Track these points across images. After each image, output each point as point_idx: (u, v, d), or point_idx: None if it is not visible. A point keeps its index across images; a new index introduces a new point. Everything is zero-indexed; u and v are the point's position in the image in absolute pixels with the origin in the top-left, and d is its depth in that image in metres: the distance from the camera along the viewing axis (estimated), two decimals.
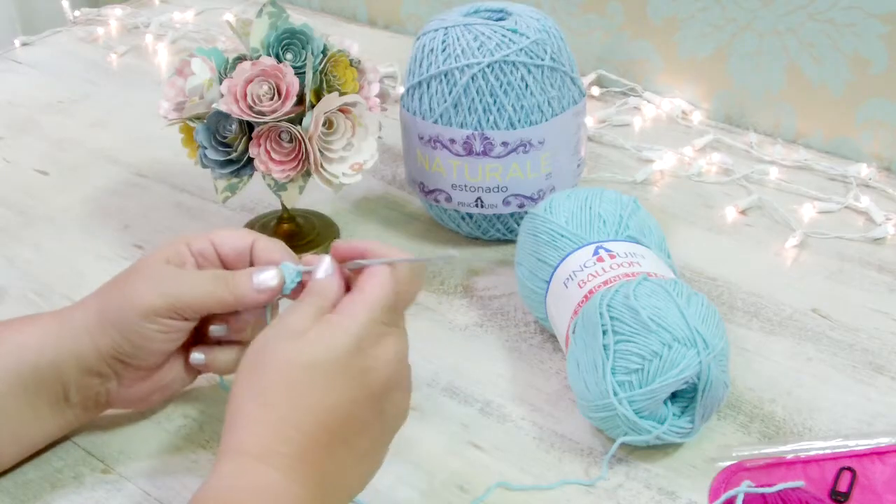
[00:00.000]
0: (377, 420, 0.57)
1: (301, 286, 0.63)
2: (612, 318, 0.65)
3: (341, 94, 0.78)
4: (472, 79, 0.80)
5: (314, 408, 0.54)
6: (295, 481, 0.53)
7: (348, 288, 0.60)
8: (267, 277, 0.63)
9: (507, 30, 0.81)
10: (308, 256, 0.63)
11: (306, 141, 0.77)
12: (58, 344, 0.64)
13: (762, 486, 0.62)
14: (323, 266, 0.60)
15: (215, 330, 0.66)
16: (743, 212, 0.91)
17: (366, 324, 0.56)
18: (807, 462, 0.65)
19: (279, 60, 0.77)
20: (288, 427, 0.54)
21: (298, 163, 0.78)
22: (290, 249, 0.65)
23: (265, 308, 0.65)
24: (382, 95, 0.82)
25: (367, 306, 0.57)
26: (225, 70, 0.78)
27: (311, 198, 0.90)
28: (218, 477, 0.53)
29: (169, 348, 0.65)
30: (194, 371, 0.68)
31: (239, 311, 0.65)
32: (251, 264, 0.65)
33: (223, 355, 0.67)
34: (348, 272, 0.61)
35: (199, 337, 0.67)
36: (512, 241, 0.86)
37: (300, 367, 0.55)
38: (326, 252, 0.62)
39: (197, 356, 0.66)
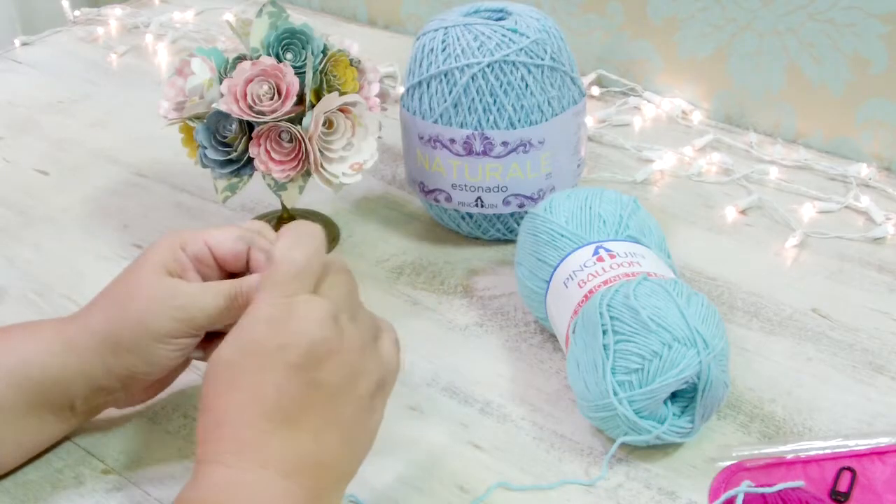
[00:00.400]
0: (317, 392, 0.54)
1: None
2: (612, 317, 0.65)
3: (341, 93, 0.78)
4: (472, 79, 0.80)
5: (244, 402, 0.53)
6: (255, 474, 0.52)
7: None
8: None
9: (507, 30, 0.81)
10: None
11: (306, 141, 0.77)
12: (63, 363, 0.63)
13: (762, 486, 0.62)
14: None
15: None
16: (743, 212, 0.91)
17: (267, 306, 0.55)
18: (807, 462, 0.65)
19: (279, 60, 0.77)
20: (228, 428, 0.53)
21: (298, 163, 0.78)
22: (270, 233, 0.65)
23: None
24: (382, 95, 0.82)
25: (267, 290, 0.55)
26: (225, 70, 0.78)
27: (311, 198, 0.90)
28: (186, 488, 0.54)
29: (180, 360, 0.65)
30: (189, 359, 0.68)
31: None
32: (246, 267, 0.65)
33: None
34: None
35: None
36: (512, 241, 0.86)
37: (220, 368, 0.55)
38: (328, 251, 0.62)
39: (197, 351, 0.66)
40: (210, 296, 0.63)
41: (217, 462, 0.53)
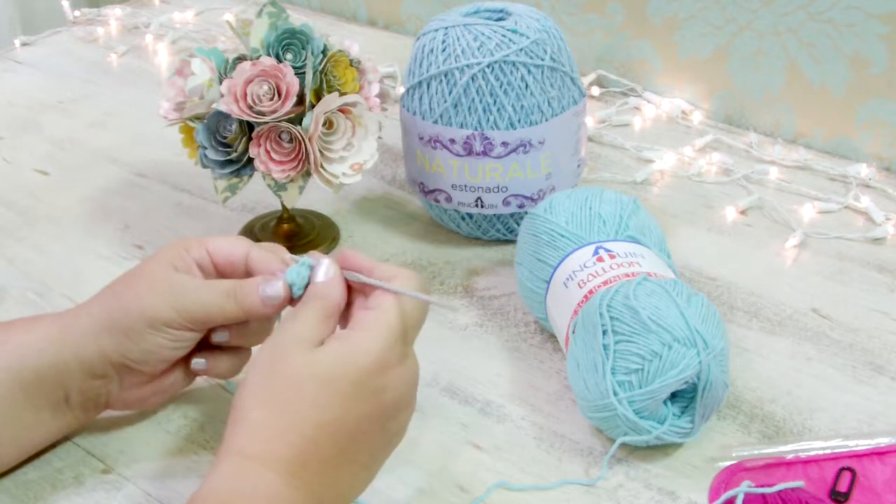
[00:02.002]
0: (381, 437, 0.58)
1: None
2: (611, 318, 0.65)
3: (341, 94, 0.78)
4: (472, 79, 0.80)
5: (323, 420, 0.55)
6: (294, 488, 0.53)
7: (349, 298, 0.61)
8: (273, 292, 0.62)
9: (507, 30, 0.81)
10: (312, 254, 0.63)
11: (306, 141, 0.77)
12: (60, 347, 0.63)
13: (762, 486, 0.62)
14: (323, 269, 0.60)
15: (218, 336, 0.66)
16: (743, 212, 0.91)
17: (385, 344, 0.57)
18: (807, 462, 0.65)
19: (279, 60, 0.77)
20: (294, 435, 0.54)
21: (298, 163, 0.78)
22: (285, 255, 0.65)
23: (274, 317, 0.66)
24: (382, 95, 0.82)
25: (387, 326, 0.57)
26: (225, 70, 0.78)
27: (311, 198, 0.90)
28: (218, 477, 0.54)
29: (176, 355, 0.65)
30: (193, 373, 0.68)
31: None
32: (247, 274, 0.65)
33: (224, 361, 0.67)
34: (349, 281, 0.61)
35: (200, 342, 0.67)
36: (512, 241, 0.86)
37: (315, 380, 0.55)
38: (328, 251, 0.62)
39: (199, 361, 0.66)
40: (209, 290, 0.63)
41: (269, 467, 0.53)
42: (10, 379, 0.63)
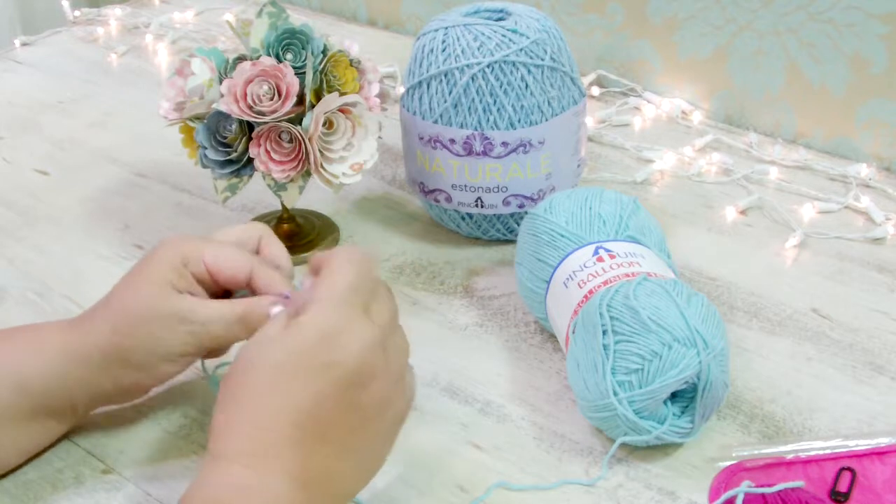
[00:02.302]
0: (353, 413, 0.55)
1: None
2: (611, 318, 0.65)
3: (341, 94, 0.78)
4: (472, 79, 0.80)
5: (281, 406, 0.54)
6: (271, 479, 0.53)
7: None
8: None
9: (507, 30, 0.81)
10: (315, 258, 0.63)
11: (306, 141, 0.77)
12: (65, 374, 0.63)
13: (762, 486, 0.62)
14: (303, 285, 0.60)
15: None
16: (743, 212, 0.91)
17: (324, 319, 0.55)
18: (807, 462, 0.65)
19: (279, 60, 0.77)
20: (256, 428, 0.54)
21: (298, 163, 0.78)
22: (287, 278, 0.66)
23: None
24: (382, 95, 0.82)
25: (325, 302, 0.56)
26: (225, 70, 0.78)
27: (311, 198, 0.90)
28: (198, 483, 0.54)
29: (182, 370, 0.66)
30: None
31: None
32: (248, 286, 0.65)
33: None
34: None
35: None
36: (512, 241, 0.86)
37: (264, 369, 0.54)
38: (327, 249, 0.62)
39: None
40: (223, 320, 0.63)
41: (234, 461, 0.53)
42: (14, 400, 0.63)
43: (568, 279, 0.71)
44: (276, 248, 0.67)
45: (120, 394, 0.66)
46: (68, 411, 0.65)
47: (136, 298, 0.63)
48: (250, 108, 0.76)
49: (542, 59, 0.81)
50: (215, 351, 0.66)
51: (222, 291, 0.66)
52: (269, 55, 0.77)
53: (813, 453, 0.65)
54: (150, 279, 0.63)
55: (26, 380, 0.63)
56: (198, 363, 0.67)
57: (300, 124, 0.77)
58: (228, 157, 0.78)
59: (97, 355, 0.63)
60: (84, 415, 0.67)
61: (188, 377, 0.70)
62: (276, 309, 0.62)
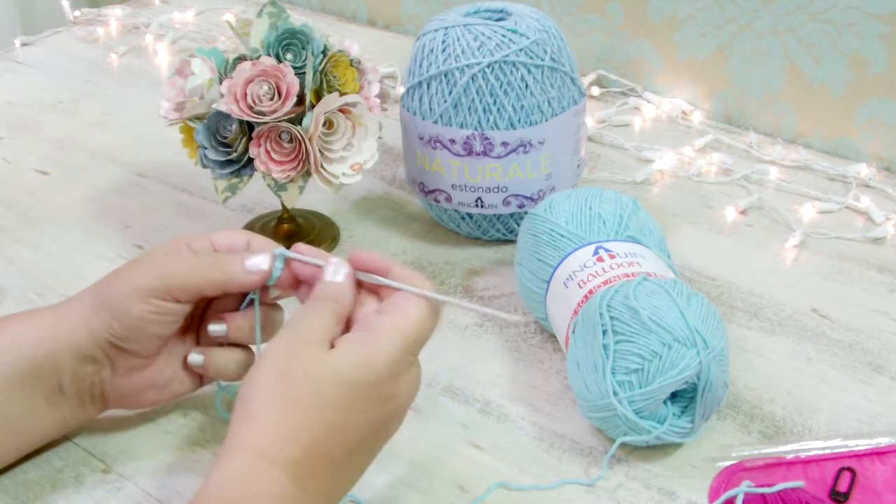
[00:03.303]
0: (382, 440, 0.59)
1: (292, 278, 0.64)
2: (611, 318, 0.65)
3: (341, 94, 0.78)
4: (472, 79, 0.80)
5: (335, 422, 0.55)
6: (302, 488, 0.53)
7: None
8: (258, 260, 0.63)
9: (507, 30, 0.81)
10: (301, 246, 0.63)
11: (306, 141, 0.77)
12: (53, 334, 0.64)
13: (762, 486, 0.62)
14: (331, 268, 0.60)
15: (214, 330, 0.66)
16: (743, 212, 0.91)
17: (402, 350, 0.57)
18: (807, 462, 0.65)
19: (279, 60, 0.77)
20: (307, 435, 0.54)
21: (298, 163, 0.78)
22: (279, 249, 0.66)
23: (265, 307, 0.66)
24: (382, 95, 0.82)
25: (404, 332, 0.57)
26: (225, 70, 0.78)
27: (311, 198, 0.90)
28: (226, 474, 0.53)
29: (161, 332, 0.64)
30: (196, 377, 0.68)
31: (241, 312, 0.66)
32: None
33: (221, 357, 0.66)
34: (360, 281, 0.61)
35: (198, 338, 0.68)
36: (512, 241, 0.86)
37: (330, 381, 0.55)
38: (328, 251, 0.62)
39: (195, 357, 0.66)
40: (193, 260, 0.64)
41: (281, 467, 0.53)
42: (7, 368, 0.63)
43: (568, 279, 0.71)
44: (262, 240, 0.67)
45: (98, 353, 0.64)
46: (56, 386, 0.64)
47: (125, 263, 0.66)
48: (250, 108, 0.76)
49: (542, 59, 0.81)
50: (187, 298, 0.64)
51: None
52: (269, 55, 0.77)
53: (813, 453, 0.65)
54: (145, 254, 0.65)
55: (17, 346, 0.63)
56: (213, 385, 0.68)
57: (300, 124, 0.77)
58: (228, 157, 0.78)
59: (78, 305, 0.64)
60: (74, 400, 0.65)
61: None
62: (253, 257, 0.63)
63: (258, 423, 0.54)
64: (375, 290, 0.61)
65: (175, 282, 0.63)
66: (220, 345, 0.67)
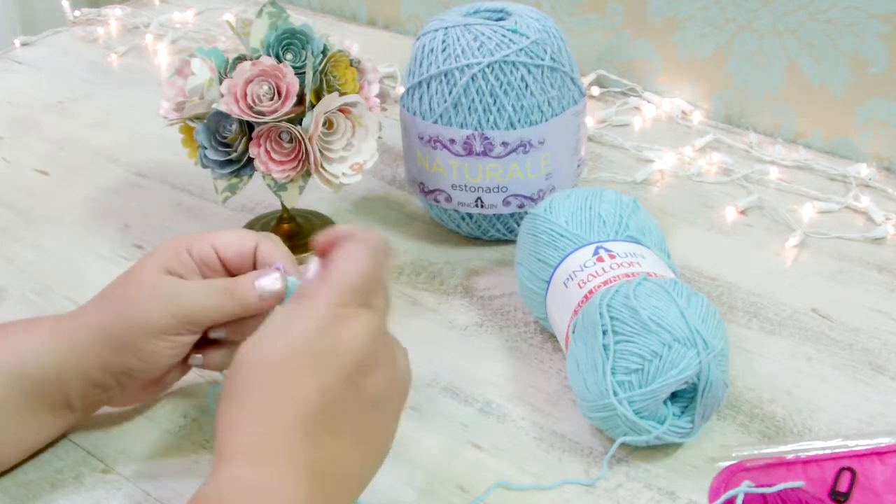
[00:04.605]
0: (357, 402, 0.55)
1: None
2: (611, 318, 0.65)
3: (341, 94, 0.78)
4: (472, 79, 0.80)
5: (287, 401, 0.53)
6: (283, 476, 0.52)
7: None
8: (268, 283, 0.63)
9: (507, 30, 0.81)
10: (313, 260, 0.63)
11: (306, 141, 0.77)
12: (60, 359, 0.63)
13: (762, 486, 0.62)
14: (310, 271, 0.60)
15: (216, 332, 0.66)
16: (743, 212, 0.91)
17: (326, 308, 0.55)
18: (807, 462, 0.65)
19: (279, 60, 0.77)
20: (263, 426, 0.53)
21: (298, 163, 0.78)
22: (289, 251, 0.66)
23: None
24: (382, 95, 0.82)
25: (327, 291, 0.55)
26: (225, 70, 0.78)
27: (311, 198, 0.90)
28: (206, 485, 0.53)
29: (176, 360, 0.65)
30: (188, 367, 0.68)
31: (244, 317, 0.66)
32: (254, 267, 0.65)
33: (219, 356, 0.67)
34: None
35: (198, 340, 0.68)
36: (512, 241, 0.86)
37: (267, 365, 0.54)
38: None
39: (196, 357, 0.66)
40: (207, 292, 0.63)
41: (244, 461, 0.53)
42: (10, 383, 0.63)
43: (568, 279, 0.71)
44: (269, 246, 0.67)
45: (110, 382, 0.64)
46: (63, 404, 0.65)
47: (127, 282, 0.64)
48: (250, 108, 0.76)
49: (542, 59, 0.81)
50: (201, 329, 0.64)
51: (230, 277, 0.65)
52: (269, 55, 0.77)
53: (813, 453, 0.65)
54: (147, 264, 0.64)
55: (20, 367, 0.63)
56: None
57: (300, 124, 0.77)
58: (228, 157, 0.78)
59: (87, 335, 0.63)
60: (81, 412, 0.66)
61: (187, 378, 0.70)
62: (263, 279, 0.62)
63: (220, 429, 0.54)
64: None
65: (192, 319, 0.63)
66: (217, 343, 0.67)
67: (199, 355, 0.66)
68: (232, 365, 0.56)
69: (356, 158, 0.80)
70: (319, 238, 0.59)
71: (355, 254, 0.57)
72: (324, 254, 0.59)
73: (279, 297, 0.63)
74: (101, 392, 0.65)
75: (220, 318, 0.63)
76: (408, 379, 0.59)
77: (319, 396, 0.54)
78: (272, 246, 0.65)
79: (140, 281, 0.63)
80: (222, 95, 0.76)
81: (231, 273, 0.65)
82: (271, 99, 0.76)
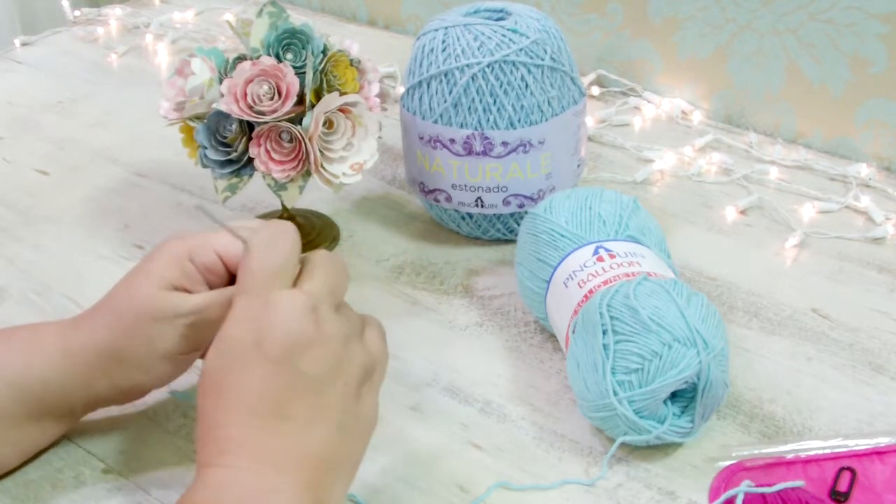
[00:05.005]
0: (300, 383, 0.54)
1: None
2: (612, 317, 0.65)
3: (341, 94, 0.78)
4: (472, 79, 0.80)
5: (230, 401, 0.54)
6: (244, 471, 0.52)
7: None
8: None
9: (507, 30, 0.81)
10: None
11: (306, 141, 0.77)
12: (64, 376, 0.63)
13: (762, 485, 0.62)
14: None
15: None
16: (743, 212, 0.91)
17: (245, 300, 0.55)
18: (807, 462, 0.65)
19: (279, 60, 0.77)
20: (217, 429, 0.54)
21: (298, 163, 0.78)
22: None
23: None
24: (382, 95, 0.82)
25: (241, 285, 0.56)
26: (225, 70, 0.78)
27: (311, 198, 0.90)
28: (187, 493, 0.54)
29: (186, 370, 0.66)
30: (185, 365, 0.68)
31: None
32: None
33: None
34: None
35: None
36: (512, 241, 0.86)
37: (206, 373, 0.55)
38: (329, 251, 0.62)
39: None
40: (217, 303, 0.62)
41: (215, 465, 0.53)
42: (12, 394, 0.63)
43: (568, 279, 0.71)
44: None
45: (118, 395, 0.65)
46: (66, 413, 0.65)
47: (131, 298, 0.63)
48: (250, 108, 0.76)
49: (542, 59, 0.81)
50: (205, 348, 0.63)
51: (232, 279, 0.64)
52: (269, 55, 0.77)
53: (813, 453, 0.65)
54: (149, 277, 0.62)
55: (24, 380, 0.63)
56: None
57: (300, 124, 0.77)
58: (228, 157, 0.78)
59: (94, 356, 0.63)
60: (82, 416, 0.67)
61: (188, 378, 0.70)
62: None
63: (196, 442, 0.55)
64: None
65: (199, 338, 0.63)
66: None
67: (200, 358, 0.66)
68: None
69: (356, 158, 0.80)
70: (246, 242, 0.58)
71: (265, 241, 0.56)
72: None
73: None
74: (106, 402, 0.66)
75: None
76: (375, 353, 0.58)
77: (256, 387, 0.53)
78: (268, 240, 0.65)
79: (146, 299, 0.62)
80: (222, 95, 0.76)
81: (234, 274, 0.65)
82: (271, 99, 0.76)
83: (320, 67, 0.78)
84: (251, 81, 0.75)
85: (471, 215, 0.86)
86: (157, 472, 0.67)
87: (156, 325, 0.62)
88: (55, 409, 0.65)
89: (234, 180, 0.80)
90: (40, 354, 0.63)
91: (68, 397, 0.64)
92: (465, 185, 0.84)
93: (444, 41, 0.82)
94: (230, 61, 0.78)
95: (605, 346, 0.64)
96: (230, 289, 0.62)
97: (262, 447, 0.53)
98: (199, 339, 0.63)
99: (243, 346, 0.54)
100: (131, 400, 0.67)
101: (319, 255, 0.58)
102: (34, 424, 0.65)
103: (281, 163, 0.77)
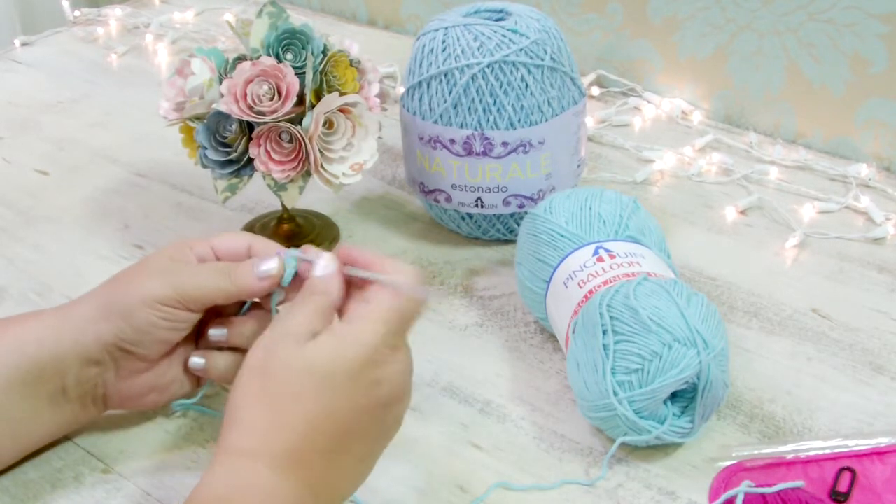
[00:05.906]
0: (376, 428, 0.58)
1: (300, 280, 0.63)
2: (612, 318, 0.65)
3: (341, 94, 0.78)
4: (472, 79, 0.80)
5: (316, 414, 0.55)
6: (288, 481, 0.53)
7: (347, 293, 0.61)
8: (268, 265, 0.63)
9: (507, 30, 0.81)
10: (307, 247, 0.63)
11: (306, 141, 0.77)
12: (58, 336, 0.64)
13: (762, 486, 0.62)
14: (321, 263, 0.61)
15: (214, 334, 0.66)
16: (743, 212, 0.91)
17: (380, 337, 0.57)
18: (807, 462, 0.65)
19: (279, 60, 0.77)
20: (286, 430, 0.54)
21: (298, 163, 0.78)
22: (281, 250, 0.66)
23: (269, 313, 0.65)
24: (382, 95, 0.82)
25: (382, 319, 0.57)
26: (225, 70, 0.78)
27: (311, 198, 0.90)
28: (212, 477, 0.54)
29: (171, 338, 0.65)
30: (195, 380, 0.68)
31: (242, 317, 0.66)
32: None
33: (222, 361, 0.67)
34: (348, 276, 0.61)
35: (199, 342, 0.68)
36: (512, 241, 0.86)
37: (306, 374, 0.55)
38: (327, 251, 0.62)
39: (196, 360, 0.66)
40: (206, 271, 0.64)
41: (260, 461, 0.53)
42: (9, 370, 0.63)
43: (568, 279, 0.71)
44: (263, 243, 0.67)
45: (104, 357, 0.64)
46: (59, 389, 0.64)
47: (131, 266, 0.66)
48: (250, 108, 0.76)
49: (542, 59, 0.81)
50: (198, 307, 0.65)
51: None
52: (269, 55, 0.77)
53: (813, 453, 0.65)
54: (151, 256, 0.66)
55: (20, 346, 0.63)
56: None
57: (300, 124, 0.77)
58: (228, 157, 0.78)
59: (85, 308, 0.64)
60: (76, 403, 0.65)
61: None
62: (262, 262, 0.63)
63: (240, 424, 0.55)
64: (365, 285, 0.61)
65: (188, 292, 0.63)
66: (221, 349, 0.67)
67: (201, 360, 0.66)
68: (265, 361, 0.56)
69: (356, 158, 0.80)
70: (348, 249, 0.61)
71: (405, 289, 0.59)
72: (344, 263, 0.61)
73: (276, 281, 0.63)
74: (97, 374, 0.64)
75: (216, 296, 0.64)
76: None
77: (349, 419, 0.56)
78: (265, 244, 0.66)
79: (145, 261, 0.65)
80: (222, 95, 0.76)
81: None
82: (271, 99, 0.76)
83: (320, 68, 0.78)
84: (251, 82, 0.75)
85: (471, 215, 0.86)
86: (157, 473, 0.67)
87: (143, 275, 0.64)
88: (48, 379, 0.63)
89: (234, 180, 0.80)
90: (36, 321, 0.65)
91: (60, 359, 0.63)
92: (465, 186, 0.84)
93: (444, 41, 0.82)
94: (230, 61, 0.78)
95: (605, 347, 0.64)
96: (223, 262, 0.65)
97: (319, 472, 0.56)
98: (181, 292, 0.63)
99: (361, 377, 0.56)
100: (123, 393, 0.66)
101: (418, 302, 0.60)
102: (28, 403, 0.64)
103: (281, 163, 0.77)
